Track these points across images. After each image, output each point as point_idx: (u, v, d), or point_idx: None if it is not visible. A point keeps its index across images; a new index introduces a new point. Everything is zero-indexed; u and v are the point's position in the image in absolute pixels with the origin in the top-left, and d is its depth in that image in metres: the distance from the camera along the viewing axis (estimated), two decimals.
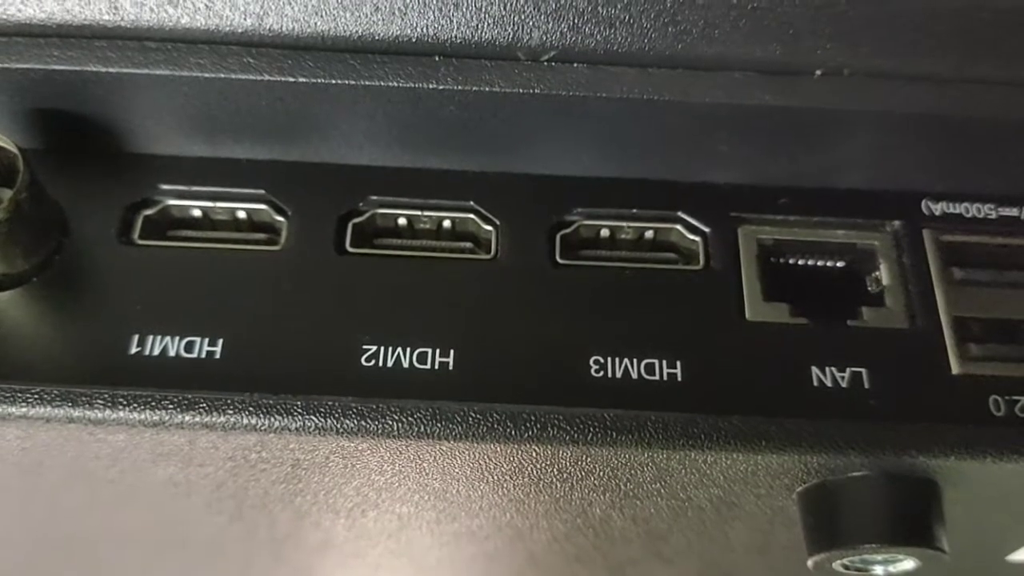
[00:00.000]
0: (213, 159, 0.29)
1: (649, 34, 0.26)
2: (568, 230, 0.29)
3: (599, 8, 0.26)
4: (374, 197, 0.29)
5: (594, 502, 0.29)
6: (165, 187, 0.29)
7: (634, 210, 0.29)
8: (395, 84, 0.27)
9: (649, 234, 0.29)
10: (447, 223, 0.29)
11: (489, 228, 0.29)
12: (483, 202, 0.29)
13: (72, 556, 0.36)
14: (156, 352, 0.26)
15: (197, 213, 0.29)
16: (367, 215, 0.29)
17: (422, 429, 0.25)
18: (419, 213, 0.29)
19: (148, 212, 0.28)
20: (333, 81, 0.27)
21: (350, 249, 0.28)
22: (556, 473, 0.27)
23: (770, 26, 0.26)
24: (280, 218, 0.29)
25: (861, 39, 0.27)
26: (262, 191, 0.29)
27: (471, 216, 0.29)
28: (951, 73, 0.27)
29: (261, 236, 0.29)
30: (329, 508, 0.31)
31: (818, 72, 0.27)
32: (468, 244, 0.29)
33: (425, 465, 0.27)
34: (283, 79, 0.27)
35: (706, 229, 0.29)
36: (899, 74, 0.27)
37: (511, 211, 0.29)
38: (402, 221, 0.29)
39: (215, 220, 0.29)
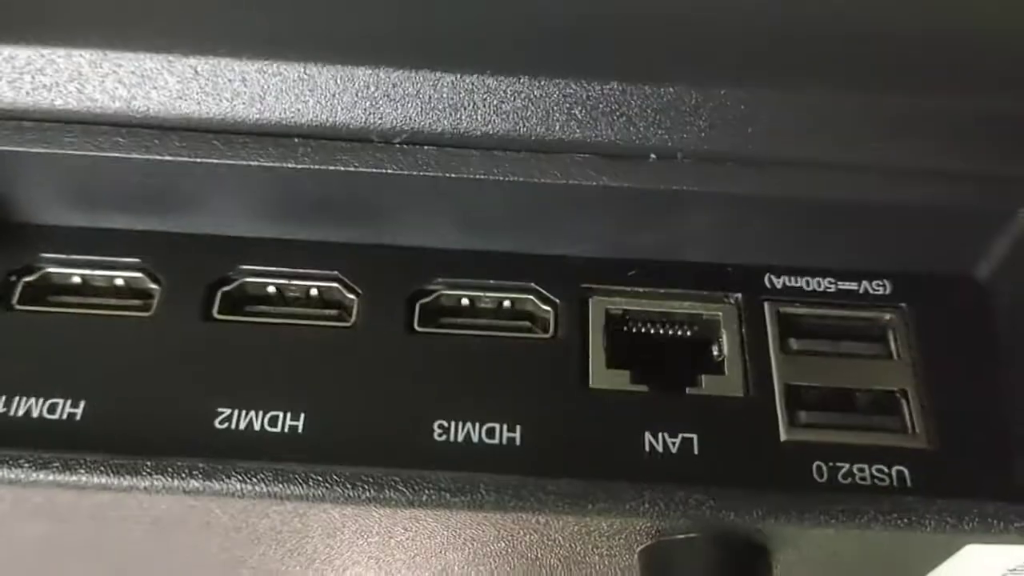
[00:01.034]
0: (93, 229, 0.31)
1: (492, 119, 0.28)
2: (428, 299, 0.31)
3: (444, 96, 0.28)
4: (243, 266, 0.30)
5: (451, 561, 0.31)
6: (45, 255, 0.30)
7: (491, 281, 0.31)
8: (256, 163, 0.28)
9: (507, 303, 0.31)
10: (314, 291, 0.31)
11: (352, 296, 0.30)
12: (348, 272, 0.31)
13: None
14: (20, 413, 0.27)
15: (76, 280, 0.31)
16: (236, 283, 0.30)
17: (264, 490, 0.26)
18: (286, 282, 0.31)
19: (28, 279, 0.30)
20: (197, 160, 0.28)
21: (217, 316, 0.30)
22: (403, 532, 0.29)
23: (603, 113, 0.28)
24: (154, 286, 0.30)
25: (691, 126, 0.28)
26: (137, 260, 0.30)
27: (336, 285, 0.31)
28: (782, 157, 0.29)
29: (136, 303, 0.30)
30: (200, 565, 0.32)
31: (652, 156, 0.29)
32: (335, 312, 0.31)
33: (276, 523, 0.28)
34: (150, 157, 0.28)
35: (557, 300, 0.30)
36: (730, 158, 0.29)
37: (374, 281, 0.30)
38: (271, 289, 0.31)
39: (94, 287, 0.31)
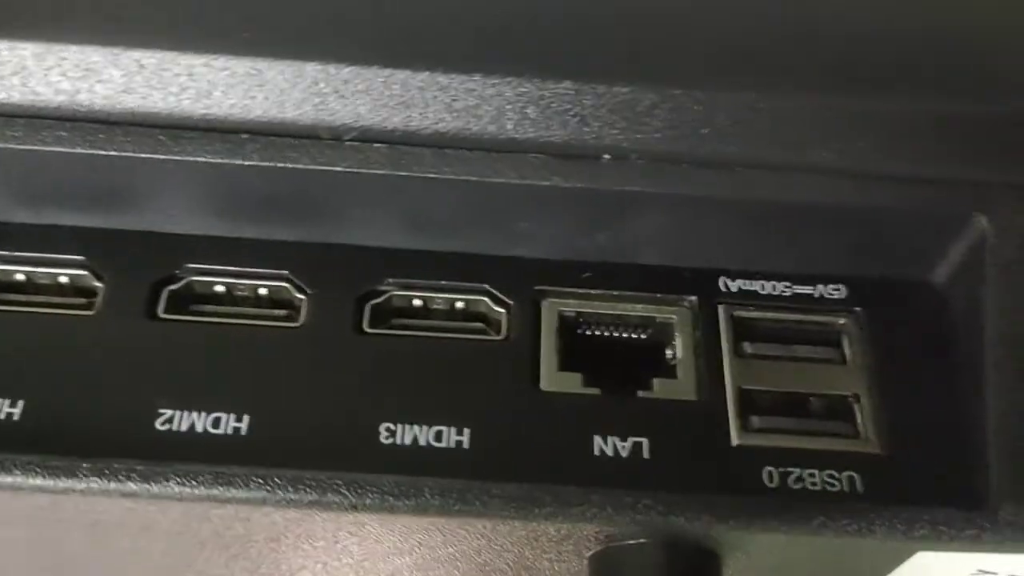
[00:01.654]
0: (36, 225, 0.30)
1: (443, 117, 0.28)
2: (379, 299, 0.30)
3: (394, 93, 0.28)
4: (191, 265, 0.30)
5: (399, 566, 0.30)
6: None
7: (443, 282, 0.30)
8: (203, 159, 0.28)
9: (460, 304, 0.31)
10: (263, 291, 0.30)
11: (301, 296, 0.30)
12: (297, 271, 0.30)
13: None
14: None
15: (20, 277, 0.30)
16: (183, 282, 0.30)
17: (203, 493, 0.26)
18: (235, 281, 0.30)
19: None
20: (143, 155, 0.28)
21: (163, 315, 0.29)
22: (348, 537, 0.28)
23: (556, 113, 0.28)
24: (99, 284, 0.30)
25: (645, 126, 0.28)
26: (82, 257, 0.30)
27: (285, 285, 0.30)
28: (737, 159, 0.29)
29: (80, 301, 0.30)
30: (143, 569, 0.31)
31: (606, 156, 0.28)
32: (284, 312, 0.30)
33: (219, 528, 0.28)
34: (95, 152, 0.28)
35: (510, 301, 0.30)
36: (685, 159, 0.29)
37: (324, 280, 0.30)
38: (220, 288, 0.30)
39: (37, 284, 0.30)
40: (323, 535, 0.28)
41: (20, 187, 0.29)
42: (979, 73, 0.29)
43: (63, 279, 0.30)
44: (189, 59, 0.27)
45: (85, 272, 0.30)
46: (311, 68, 0.27)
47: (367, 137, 0.28)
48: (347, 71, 0.27)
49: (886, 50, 0.29)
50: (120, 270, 0.30)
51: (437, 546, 0.28)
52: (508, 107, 0.28)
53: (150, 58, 0.27)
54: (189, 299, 0.30)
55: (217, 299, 0.30)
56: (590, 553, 0.29)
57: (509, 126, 0.28)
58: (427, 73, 0.27)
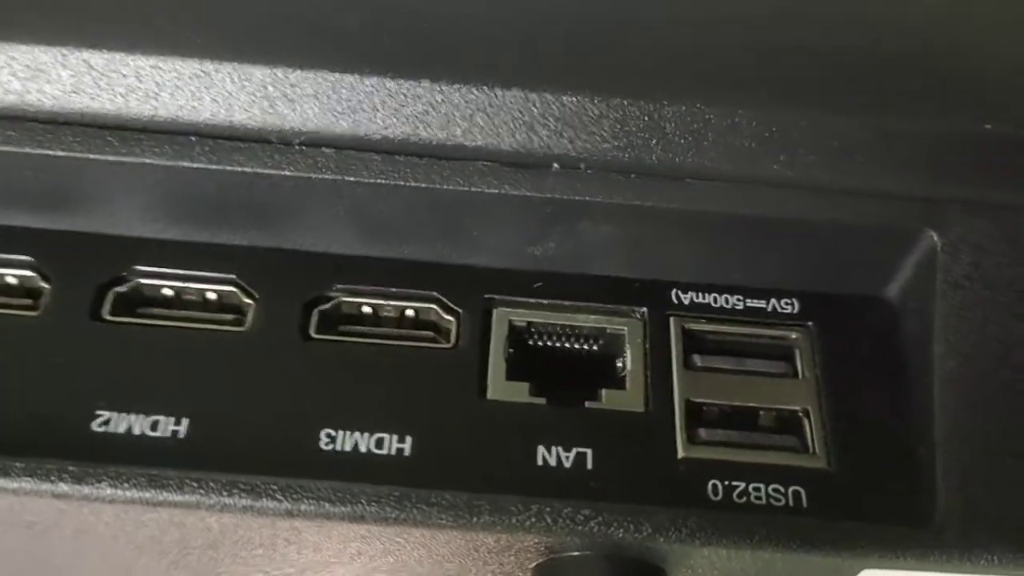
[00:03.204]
0: None
1: (392, 123, 0.28)
2: (327, 305, 0.30)
3: (343, 97, 0.28)
4: (138, 267, 0.30)
5: (341, 575, 0.30)
6: None
7: (393, 289, 0.30)
8: (150, 161, 0.28)
9: (411, 312, 0.31)
10: (211, 295, 0.30)
11: (249, 301, 0.30)
12: (245, 276, 0.30)
13: None
14: None
15: None
16: (130, 285, 0.30)
17: (135, 495, 0.25)
18: (182, 284, 0.30)
19: None
20: (91, 156, 0.28)
21: (108, 317, 0.29)
22: (286, 544, 0.28)
23: (505, 121, 0.28)
24: (45, 285, 0.29)
25: (594, 136, 0.28)
26: (29, 258, 0.30)
27: (233, 289, 0.30)
28: (686, 170, 0.29)
29: (27, 301, 0.30)
30: (83, 573, 0.31)
31: (555, 165, 0.28)
32: (231, 316, 0.30)
33: (155, 533, 0.27)
34: (43, 152, 0.28)
35: (459, 309, 0.30)
36: (635, 169, 0.29)
37: (272, 285, 0.30)
38: (167, 292, 0.30)
39: None
40: (261, 542, 0.28)
41: None
42: (931, 90, 0.29)
43: (10, 279, 0.30)
44: (137, 60, 0.27)
45: (32, 273, 0.29)
46: (259, 71, 0.27)
47: (316, 141, 0.28)
48: (296, 75, 0.27)
49: (837, 65, 0.29)
50: (67, 271, 0.29)
51: (377, 555, 0.28)
52: (457, 114, 0.28)
53: (98, 59, 0.27)
54: (136, 302, 0.30)
55: (164, 302, 0.30)
56: (532, 565, 0.28)
57: (458, 133, 0.28)
58: (376, 78, 0.27)
